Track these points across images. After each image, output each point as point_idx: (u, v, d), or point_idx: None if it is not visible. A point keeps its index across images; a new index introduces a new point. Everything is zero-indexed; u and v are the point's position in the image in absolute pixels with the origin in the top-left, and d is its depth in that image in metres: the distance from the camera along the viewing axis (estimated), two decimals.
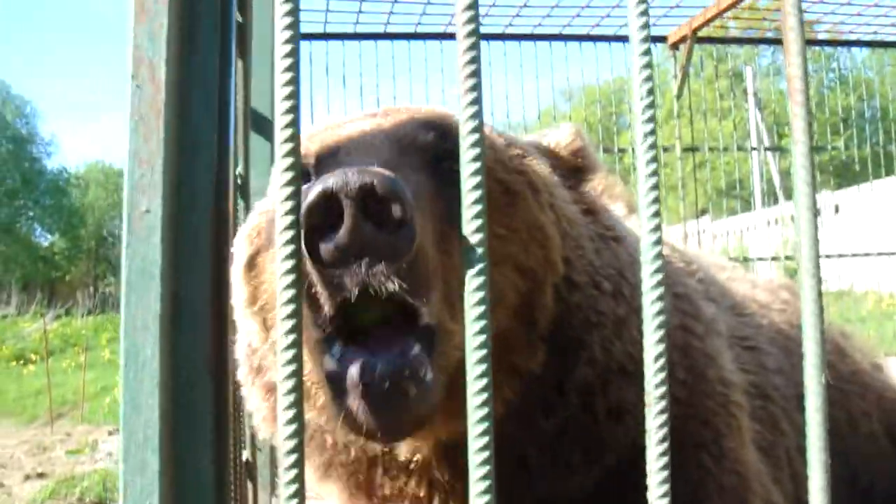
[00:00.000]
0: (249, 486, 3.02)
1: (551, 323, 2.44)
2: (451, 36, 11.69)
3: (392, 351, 1.87)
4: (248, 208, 2.83)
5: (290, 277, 1.12)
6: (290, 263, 1.12)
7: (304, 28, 8.90)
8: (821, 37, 14.10)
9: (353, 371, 1.84)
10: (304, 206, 1.65)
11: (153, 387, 1.27)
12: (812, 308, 1.27)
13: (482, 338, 1.13)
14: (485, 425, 1.11)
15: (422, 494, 2.50)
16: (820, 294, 1.31)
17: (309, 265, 1.77)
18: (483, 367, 1.13)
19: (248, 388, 2.68)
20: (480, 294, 1.14)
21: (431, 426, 2.10)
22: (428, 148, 2.31)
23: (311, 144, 2.35)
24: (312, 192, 1.69)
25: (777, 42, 13.24)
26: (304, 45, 10.79)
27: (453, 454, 2.34)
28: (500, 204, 2.33)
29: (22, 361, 23.73)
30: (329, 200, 1.69)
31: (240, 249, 2.51)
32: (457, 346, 1.97)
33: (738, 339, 3.31)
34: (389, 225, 1.73)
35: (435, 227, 2.03)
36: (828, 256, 13.64)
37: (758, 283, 4.25)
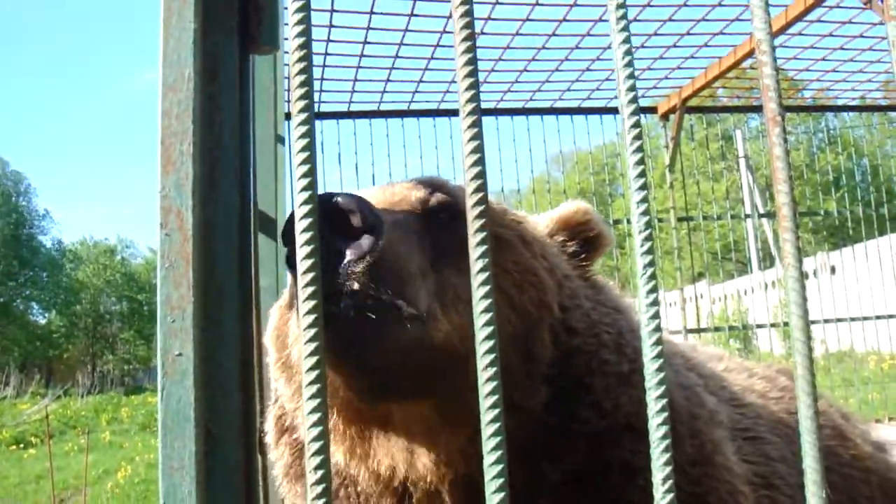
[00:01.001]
0: None
1: (552, 364, 2.56)
2: (444, 112, 11.99)
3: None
4: (259, 313, 2.89)
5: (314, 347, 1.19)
6: (311, 320, 1.20)
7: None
8: (809, 102, 14.33)
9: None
10: (283, 231, 2.00)
11: None
12: (810, 443, 1.33)
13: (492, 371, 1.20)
14: (499, 468, 1.18)
15: None
16: (817, 413, 1.38)
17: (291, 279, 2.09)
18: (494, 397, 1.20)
19: (275, 448, 2.84)
20: (489, 341, 1.22)
21: (423, 382, 2.28)
22: (419, 201, 2.56)
23: None
24: (288, 219, 1.96)
25: None
26: None
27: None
28: (489, 249, 2.49)
29: (22, 445, 23.51)
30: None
31: (272, 319, 2.81)
32: (442, 329, 2.22)
33: (740, 431, 3.34)
34: (353, 234, 2.00)
35: (422, 249, 2.29)
36: (826, 321, 13.69)
37: (755, 370, 4.27)
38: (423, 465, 2.42)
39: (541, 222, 3.04)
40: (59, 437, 23.89)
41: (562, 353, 2.60)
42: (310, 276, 1.25)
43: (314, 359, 1.19)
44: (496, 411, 1.24)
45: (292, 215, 1.98)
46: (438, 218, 2.53)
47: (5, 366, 49.50)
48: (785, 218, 1.48)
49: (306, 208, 1.28)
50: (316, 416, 1.21)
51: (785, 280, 1.45)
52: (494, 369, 1.25)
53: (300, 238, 1.26)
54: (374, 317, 2.02)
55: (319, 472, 1.21)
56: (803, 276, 1.50)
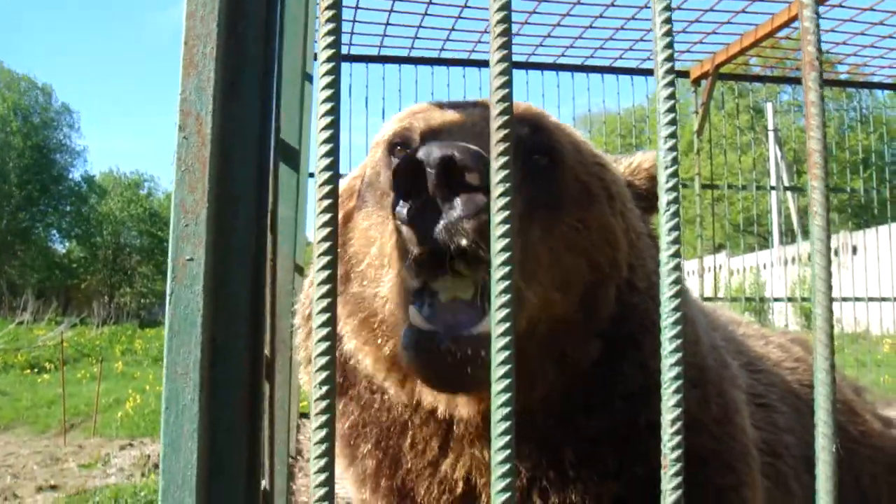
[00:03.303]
0: None
1: (609, 320, 2.56)
2: (475, 62, 11.89)
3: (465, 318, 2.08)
4: (275, 241, 2.87)
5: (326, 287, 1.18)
6: (325, 263, 1.18)
7: None
8: (843, 77, 14.14)
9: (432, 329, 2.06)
10: (393, 172, 2.02)
11: (192, 431, 1.32)
12: (825, 391, 1.31)
13: (507, 325, 1.19)
14: (506, 424, 1.16)
15: (456, 476, 2.54)
16: (833, 366, 1.36)
17: (396, 222, 2.05)
18: (506, 353, 1.18)
19: (304, 340, 2.89)
20: (506, 297, 1.19)
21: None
22: (521, 140, 2.44)
23: (416, 122, 2.59)
24: (402, 160, 1.99)
25: (799, 81, 13.27)
26: None
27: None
28: (578, 201, 2.54)
29: (36, 370, 23.77)
30: (414, 167, 1.94)
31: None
32: (527, 307, 2.23)
33: (752, 397, 3.34)
34: (467, 190, 1.94)
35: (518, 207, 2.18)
36: (844, 300, 13.59)
37: (771, 338, 4.26)
38: (465, 409, 2.44)
39: (619, 166, 3.01)
40: (72, 365, 24.15)
41: (620, 310, 2.59)
42: (325, 245, 1.23)
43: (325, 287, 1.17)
44: (507, 381, 1.21)
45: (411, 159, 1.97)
46: (533, 161, 2.48)
47: (23, 291, 49.92)
48: (815, 165, 1.45)
49: (327, 147, 1.25)
50: (324, 343, 1.19)
51: (811, 226, 1.42)
52: (508, 352, 1.23)
53: (319, 176, 1.24)
54: (474, 324, 2.03)
55: (324, 387, 1.20)
56: (829, 225, 1.47)
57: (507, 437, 1.18)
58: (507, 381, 1.19)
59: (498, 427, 1.18)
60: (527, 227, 2.23)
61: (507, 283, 1.22)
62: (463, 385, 2.11)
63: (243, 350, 1.47)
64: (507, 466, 1.16)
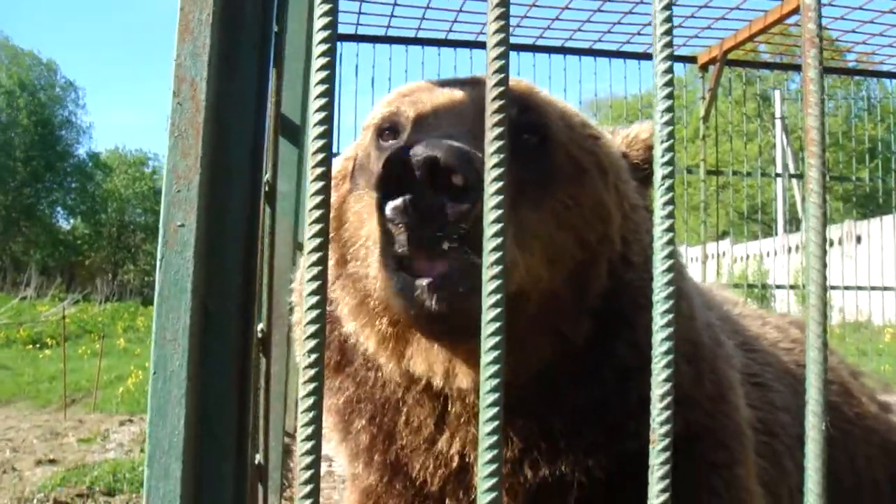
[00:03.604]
0: (260, 489, 3.06)
1: (602, 297, 2.53)
2: (482, 45, 11.85)
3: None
4: (273, 214, 2.86)
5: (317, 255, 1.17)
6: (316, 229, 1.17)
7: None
8: (852, 65, 14.09)
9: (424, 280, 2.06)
10: (379, 168, 2.03)
11: (180, 397, 1.32)
12: (817, 368, 1.30)
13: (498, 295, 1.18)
14: (495, 393, 1.16)
15: (452, 451, 2.53)
16: (825, 344, 1.35)
17: (381, 218, 2.04)
18: (496, 324, 1.18)
19: (300, 322, 2.85)
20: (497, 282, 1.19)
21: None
22: (510, 121, 2.39)
23: (404, 106, 2.58)
24: (385, 158, 2.01)
25: None
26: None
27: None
28: (569, 177, 2.52)
29: (38, 345, 23.80)
30: (398, 167, 1.95)
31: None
32: (518, 276, 2.21)
33: (748, 376, 3.33)
34: (452, 192, 1.94)
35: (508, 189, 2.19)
36: (847, 289, 13.57)
37: (768, 319, 4.25)
38: (460, 382, 2.42)
39: (615, 138, 2.97)
40: (74, 340, 24.15)
41: (613, 286, 2.56)
42: (317, 212, 1.22)
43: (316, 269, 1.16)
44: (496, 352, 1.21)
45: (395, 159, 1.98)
46: (524, 140, 2.46)
47: (26, 267, 49.96)
48: (812, 142, 1.44)
49: (321, 114, 1.24)
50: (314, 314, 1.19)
51: (806, 203, 1.41)
52: (498, 332, 1.22)
53: (313, 145, 1.23)
54: (458, 279, 2.01)
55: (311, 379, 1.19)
56: (825, 202, 1.46)
57: (496, 409, 1.17)
58: (496, 353, 1.19)
59: (486, 398, 1.18)
60: (518, 205, 2.21)
61: (498, 254, 1.21)
62: (462, 309, 2.06)
63: (235, 320, 1.46)
64: (495, 438, 1.16)
